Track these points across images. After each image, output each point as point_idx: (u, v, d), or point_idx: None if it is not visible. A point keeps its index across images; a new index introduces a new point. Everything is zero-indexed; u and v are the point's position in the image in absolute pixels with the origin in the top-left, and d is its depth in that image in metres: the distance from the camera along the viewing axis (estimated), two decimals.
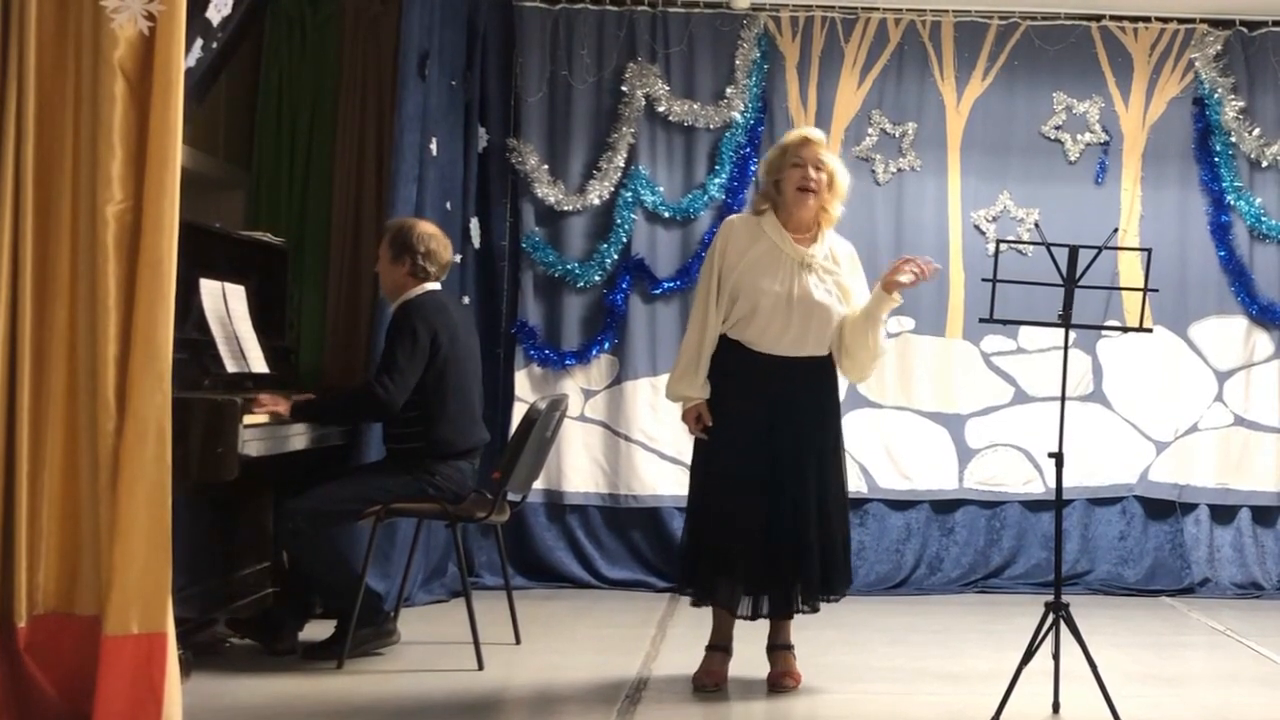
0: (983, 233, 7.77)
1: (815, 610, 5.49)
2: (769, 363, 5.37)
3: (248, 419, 5.16)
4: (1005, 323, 5.40)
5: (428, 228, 5.94)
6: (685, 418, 5.48)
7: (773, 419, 5.35)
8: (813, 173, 5.38)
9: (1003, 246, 5.75)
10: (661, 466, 7.64)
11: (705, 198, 7.68)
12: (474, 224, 7.52)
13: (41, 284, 4.26)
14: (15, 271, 4.23)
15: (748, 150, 7.67)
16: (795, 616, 5.51)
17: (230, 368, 5.75)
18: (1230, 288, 7.80)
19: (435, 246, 5.86)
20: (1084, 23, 7.82)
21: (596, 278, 7.67)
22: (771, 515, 5.32)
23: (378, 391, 5.62)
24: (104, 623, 4.14)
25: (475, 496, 5.92)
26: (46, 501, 4.25)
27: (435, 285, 5.91)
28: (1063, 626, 4.98)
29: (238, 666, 5.60)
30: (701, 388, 5.39)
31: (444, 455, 5.78)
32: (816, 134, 5.53)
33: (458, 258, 7.11)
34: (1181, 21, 7.80)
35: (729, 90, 7.71)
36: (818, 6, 7.77)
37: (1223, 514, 7.84)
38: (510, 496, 5.95)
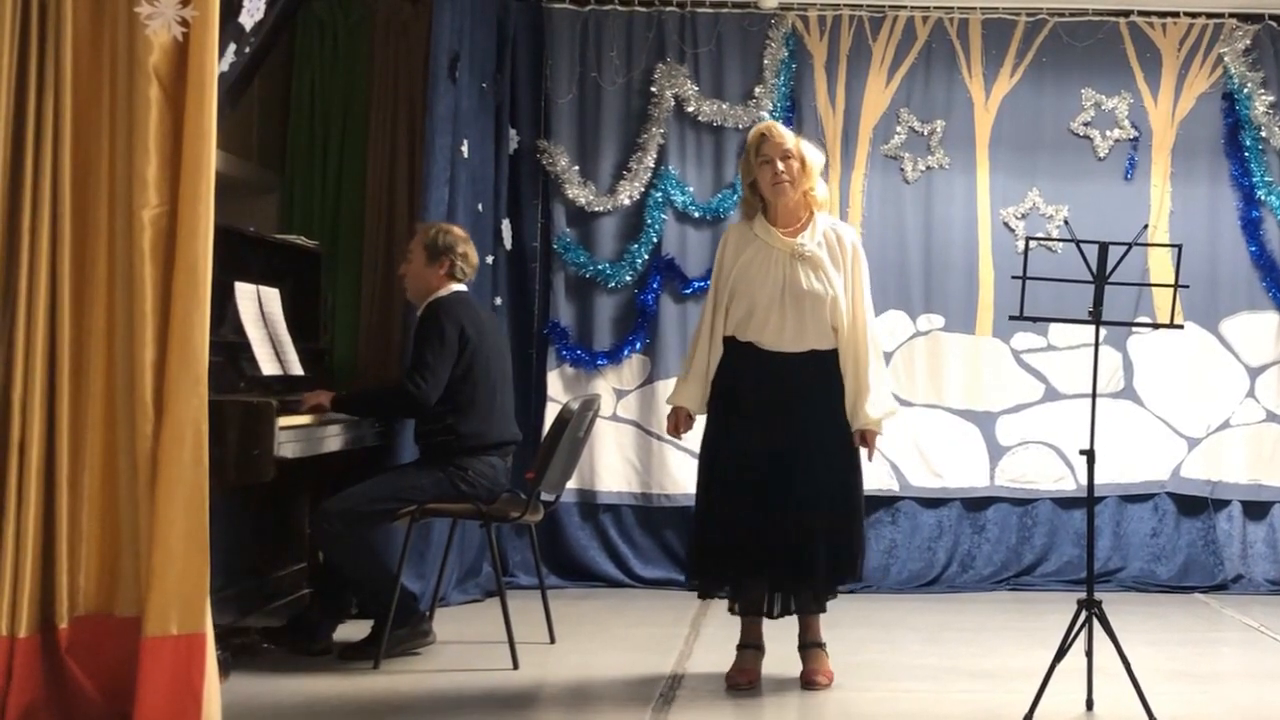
0: (1012, 230, 7.76)
1: (822, 610, 5.51)
2: (776, 361, 5.39)
3: (283, 420, 5.20)
4: (1035, 320, 5.40)
5: (460, 232, 6.07)
6: (668, 418, 5.61)
7: (780, 417, 5.37)
8: (780, 165, 5.39)
9: (1032, 244, 5.74)
10: (693, 465, 7.55)
11: (735, 197, 7.66)
12: (505, 225, 7.55)
13: (79, 289, 4.30)
14: (54, 276, 4.27)
15: None
16: (820, 615, 5.52)
17: (266, 370, 5.80)
18: (1261, 283, 7.77)
19: (468, 250, 6.01)
20: (1112, 18, 7.79)
21: (627, 278, 7.70)
22: (778, 515, 5.32)
23: (410, 389, 5.68)
24: (144, 624, 4.17)
25: (509, 496, 5.95)
26: (86, 504, 4.29)
27: (463, 286, 5.99)
28: (1095, 624, 4.97)
29: (275, 667, 5.63)
30: (695, 399, 5.50)
31: (474, 449, 5.82)
32: (772, 126, 5.54)
33: (490, 259, 7.17)
34: (1210, 16, 7.77)
35: (757, 90, 7.72)
36: (845, 5, 7.77)
37: (1255, 510, 7.81)
38: (544, 496, 5.97)
